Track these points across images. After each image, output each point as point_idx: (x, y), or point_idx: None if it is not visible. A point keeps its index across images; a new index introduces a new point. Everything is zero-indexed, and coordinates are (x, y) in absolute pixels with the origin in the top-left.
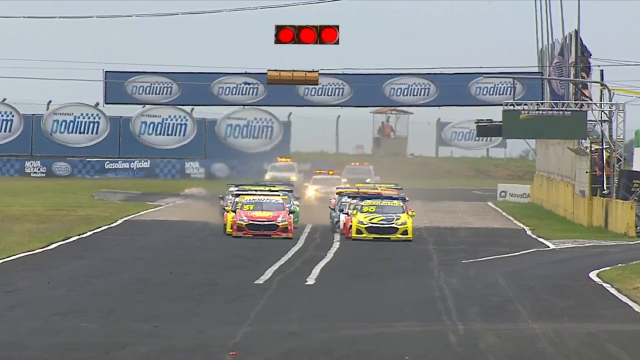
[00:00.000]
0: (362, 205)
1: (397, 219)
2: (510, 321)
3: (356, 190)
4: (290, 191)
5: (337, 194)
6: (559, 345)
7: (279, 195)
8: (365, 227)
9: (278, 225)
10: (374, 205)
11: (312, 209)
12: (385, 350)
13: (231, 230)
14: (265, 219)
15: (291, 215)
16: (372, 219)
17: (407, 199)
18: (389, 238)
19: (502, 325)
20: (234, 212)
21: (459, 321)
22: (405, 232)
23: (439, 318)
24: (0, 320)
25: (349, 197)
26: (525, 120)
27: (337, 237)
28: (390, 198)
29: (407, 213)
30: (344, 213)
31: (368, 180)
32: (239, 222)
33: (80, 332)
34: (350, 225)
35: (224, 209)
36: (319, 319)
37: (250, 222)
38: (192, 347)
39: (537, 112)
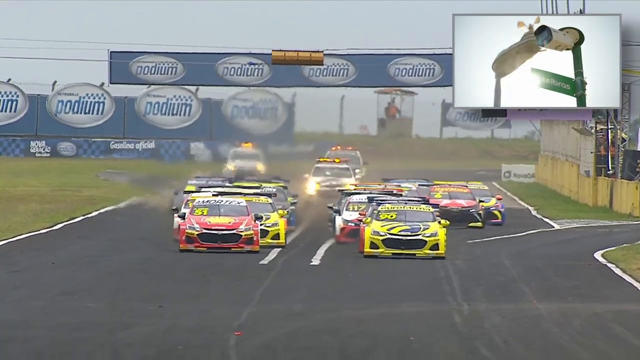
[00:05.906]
0: (380, 211)
1: (425, 229)
2: (515, 301)
3: (365, 188)
4: (285, 187)
5: (339, 191)
6: (564, 325)
7: (269, 192)
8: (383, 240)
9: (241, 235)
10: (394, 211)
11: (312, 208)
12: (391, 330)
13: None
14: (224, 227)
15: (258, 222)
16: (392, 228)
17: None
18: (415, 254)
19: (507, 305)
20: (182, 217)
21: (464, 301)
22: (435, 247)
23: (444, 298)
24: (6, 300)
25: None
26: None
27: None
28: (417, 201)
29: (440, 222)
30: (339, 215)
31: (357, 171)
32: (189, 231)
33: (85, 312)
34: (363, 237)
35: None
36: (324, 299)
37: (204, 231)
38: (197, 327)
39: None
